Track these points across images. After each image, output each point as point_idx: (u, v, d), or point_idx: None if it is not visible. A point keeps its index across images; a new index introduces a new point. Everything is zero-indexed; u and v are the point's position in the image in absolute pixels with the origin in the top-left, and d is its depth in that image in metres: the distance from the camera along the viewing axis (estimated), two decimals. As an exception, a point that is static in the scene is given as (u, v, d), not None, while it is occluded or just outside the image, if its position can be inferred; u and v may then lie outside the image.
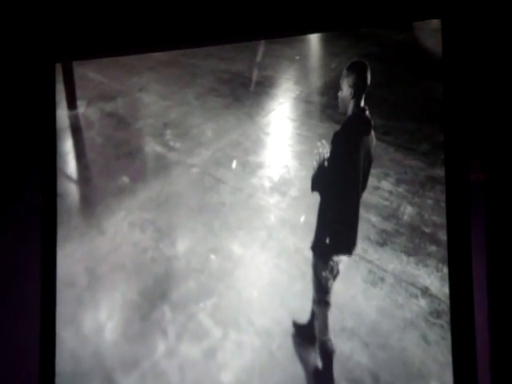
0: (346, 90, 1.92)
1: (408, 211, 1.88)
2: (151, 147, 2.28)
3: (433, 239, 1.84)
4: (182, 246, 2.15)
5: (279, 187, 2.08)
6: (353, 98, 1.91)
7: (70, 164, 2.35)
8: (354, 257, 1.91)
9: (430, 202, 1.86)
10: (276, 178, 2.09)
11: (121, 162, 2.29)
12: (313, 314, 1.94)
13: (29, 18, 2.36)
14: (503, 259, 1.76)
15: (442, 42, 1.88)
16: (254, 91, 2.18)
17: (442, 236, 1.82)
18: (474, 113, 1.83)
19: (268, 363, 1.96)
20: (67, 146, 2.36)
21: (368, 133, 1.89)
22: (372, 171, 1.92)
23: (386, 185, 1.94)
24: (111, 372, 2.13)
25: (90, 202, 2.30)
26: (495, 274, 1.76)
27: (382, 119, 1.93)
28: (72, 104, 2.38)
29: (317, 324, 1.93)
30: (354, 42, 2.03)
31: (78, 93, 2.38)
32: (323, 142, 1.95)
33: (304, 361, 1.94)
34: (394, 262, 1.87)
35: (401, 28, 1.97)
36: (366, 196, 1.92)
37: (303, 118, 2.11)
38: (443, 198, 1.84)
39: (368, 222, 1.92)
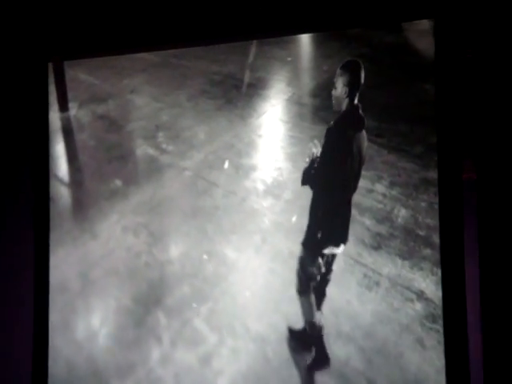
0: (340, 89, 1.91)
1: (402, 214, 1.88)
2: (143, 150, 2.26)
3: (427, 242, 1.83)
4: (175, 250, 2.14)
5: (272, 190, 2.07)
6: (347, 96, 1.90)
7: (61, 167, 2.33)
8: (349, 261, 1.91)
9: (423, 204, 1.85)
10: (269, 181, 2.08)
11: (113, 164, 2.27)
12: (305, 315, 1.94)
13: (20, 18, 2.34)
14: (495, 259, 1.76)
15: (434, 43, 1.87)
16: (246, 93, 2.16)
17: (437, 239, 1.81)
18: (466, 113, 1.82)
19: (263, 368, 1.95)
20: (59, 149, 2.34)
21: (360, 129, 1.88)
22: (365, 174, 1.91)
23: (379, 187, 1.93)
24: (105, 379, 2.12)
25: (82, 206, 2.28)
26: (488, 273, 1.75)
27: (374, 121, 1.92)
28: (64, 106, 2.36)
29: (302, 311, 1.94)
30: (345, 44, 2.01)
31: (70, 95, 2.36)
32: (315, 141, 1.94)
33: (299, 366, 1.93)
34: (388, 266, 1.87)
35: (393, 29, 1.95)
36: (360, 199, 1.92)
37: (296, 120, 2.10)
38: (437, 200, 1.83)
39: (362, 225, 1.91)
